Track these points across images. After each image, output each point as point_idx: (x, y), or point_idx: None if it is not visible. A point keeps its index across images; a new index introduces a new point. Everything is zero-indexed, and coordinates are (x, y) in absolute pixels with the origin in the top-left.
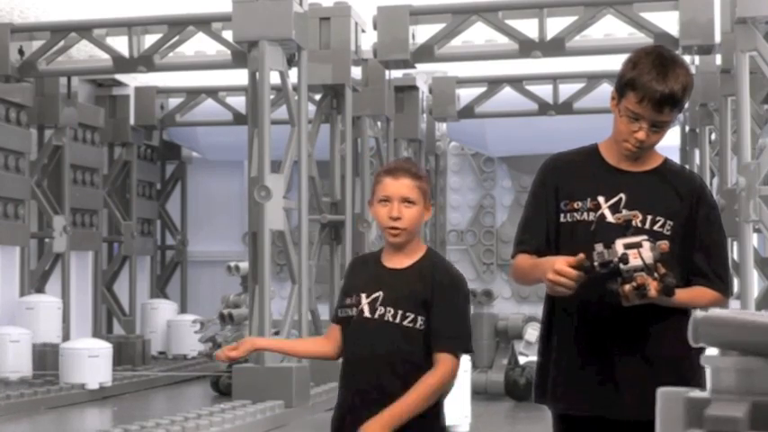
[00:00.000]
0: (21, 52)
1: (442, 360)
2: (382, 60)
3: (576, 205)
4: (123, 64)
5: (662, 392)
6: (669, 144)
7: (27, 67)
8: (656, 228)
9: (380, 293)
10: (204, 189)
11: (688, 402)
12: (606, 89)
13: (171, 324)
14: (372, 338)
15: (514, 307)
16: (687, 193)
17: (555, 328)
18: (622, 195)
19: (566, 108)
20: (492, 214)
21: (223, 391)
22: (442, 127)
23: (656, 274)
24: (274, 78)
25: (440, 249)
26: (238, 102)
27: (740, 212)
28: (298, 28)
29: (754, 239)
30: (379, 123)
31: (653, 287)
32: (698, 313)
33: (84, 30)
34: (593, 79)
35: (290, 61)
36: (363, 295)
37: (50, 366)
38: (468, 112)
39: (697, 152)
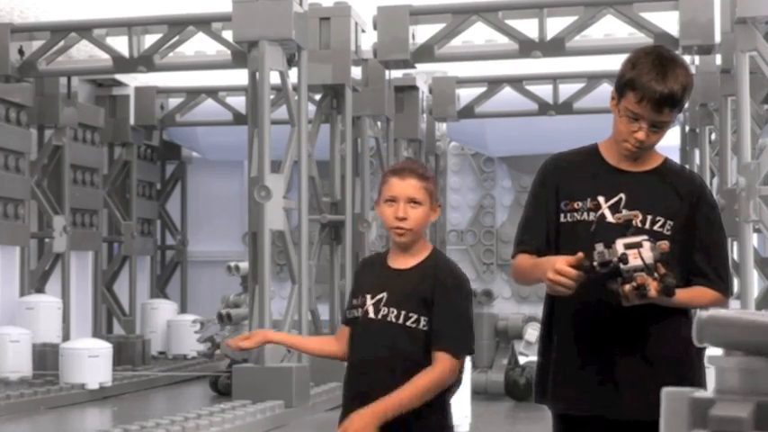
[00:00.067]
0: (21, 52)
1: (440, 359)
2: (382, 60)
3: (576, 205)
4: (123, 64)
5: (666, 392)
6: (669, 144)
7: (27, 67)
8: (656, 228)
9: (384, 294)
10: (204, 189)
11: (692, 402)
12: (606, 89)
13: (171, 324)
14: (376, 339)
15: (514, 307)
16: (687, 193)
17: (555, 328)
18: (622, 195)
19: (566, 108)
20: (492, 214)
21: (222, 390)
22: (442, 127)
23: (656, 275)
24: (274, 78)
25: (440, 249)
26: (238, 102)
27: (740, 212)
28: (298, 28)
29: (754, 239)
30: (379, 123)
31: (653, 287)
32: (703, 313)
33: (84, 30)
34: (593, 79)
35: (290, 61)
36: (368, 296)
37: (50, 366)
38: (468, 112)
39: (697, 152)
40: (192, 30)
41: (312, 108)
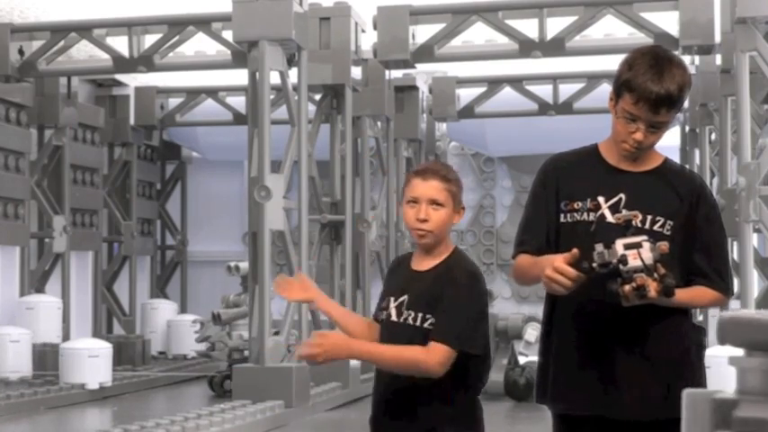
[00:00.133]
0: (21, 52)
1: (433, 346)
2: (382, 60)
3: (576, 205)
4: (123, 64)
5: (687, 393)
6: (669, 144)
7: (27, 67)
8: (656, 228)
9: (405, 297)
10: (204, 189)
11: (714, 403)
12: (606, 89)
13: (171, 324)
14: (397, 342)
15: (514, 307)
16: (687, 193)
17: (555, 328)
18: (622, 195)
19: (566, 108)
20: (492, 214)
21: (215, 390)
22: (442, 127)
23: (655, 275)
24: (274, 78)
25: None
26: (238, 102)
27: (740, 212)
28: (298, 28)
29: (754, 239)
30: (379, 123)
31: (653, 288)
32: (724, 314)
33: (84, 30)
34: (593, 79)
35: (290, 61)
36: (392, 299)
37: (50, 366)
38: (468, 112)
39: (697, 152)
40: (192, 30)
41: (312, 108)
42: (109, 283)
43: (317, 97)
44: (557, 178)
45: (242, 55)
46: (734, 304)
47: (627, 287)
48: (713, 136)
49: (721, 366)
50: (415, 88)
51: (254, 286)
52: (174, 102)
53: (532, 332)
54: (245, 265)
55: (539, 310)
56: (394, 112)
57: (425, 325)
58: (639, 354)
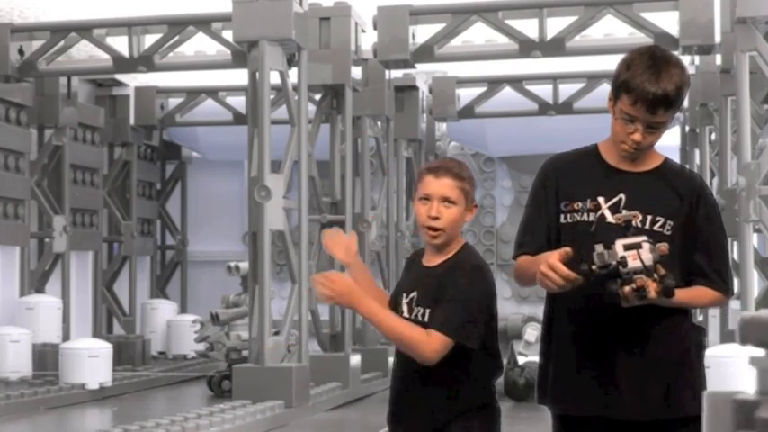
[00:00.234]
0: (21, 52)
1: (432, 333)
2: (382, 60)
3: (576, 206)
4: (123, 64)
5: (708, 394)
6: (669, 144)
7: (27, 67)
8: (656, 228)
9: (415, 294)
10: (204, 189)
11: (736, 404)
12: (606, 89)
13: (171, 324)
14: None
15: (514, 307)
16: (687, 193)
17: (555, 329)
18: (622, 196)
19: (566, 108)
20: (492, 214)
21: (214, 390)
22: (442, 127)
23: (655, 276)
24: (274, 78)
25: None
26: (238, 102)
27: (740, 212)
28: (298, 28)
29: (754, 239)
30: (379, 123)
31: (652, 289)
32: (745, 314)
33: (84, 30)
34: (593, 79)
35: (290, 61)
36: (404, 295)
37: (50, 366)
38: (468, 112)
39: (697, 152)
40: (192, 30)
41: (312, 108)
42: (109, 283)
43: (317, 97)
44: (557, 179)
45: (242, 55)
46: (734, 304)
47: (627, 288)
48: (713, 136)
49: (721, 366)
50: (415, 88)
51: (254, 286)
52: (174, 102)
53: (532, 332)
54: (245, 265)
55: (539, 310)
56: (394, 112)
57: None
58: (639, 354)
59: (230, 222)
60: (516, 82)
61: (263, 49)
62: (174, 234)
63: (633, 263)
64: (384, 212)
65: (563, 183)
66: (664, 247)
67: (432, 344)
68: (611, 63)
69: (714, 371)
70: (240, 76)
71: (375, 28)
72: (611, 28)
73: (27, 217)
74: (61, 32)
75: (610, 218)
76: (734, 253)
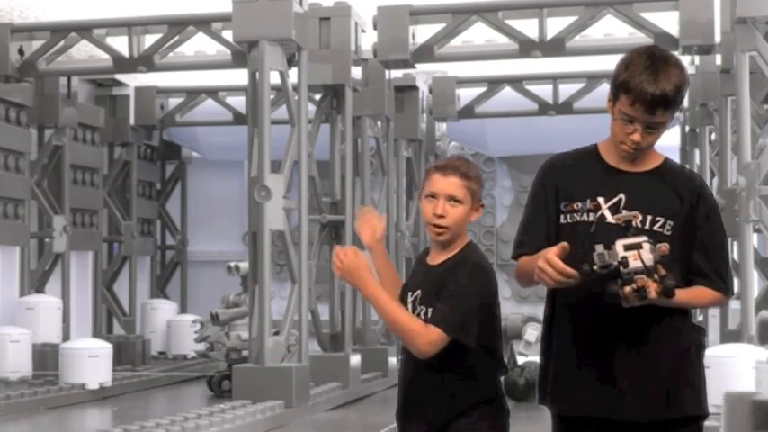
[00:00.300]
0: (21, 52)
1: (430, 327)
2: (382, 60)
3: (575, 206)
4: (123, 64)
5: (727, 395)
6: (669, 144)
7: (27, 67)
8: (656, 228)
9: (419, 292)
10: (204, 189)
11: (754, 405)
12: (606, 89)
13: (171, 324)
14: None
15: (514, 307)
16: (687, 193)
17: (555, 329)
18: (622, 196)
19: (566, 108)
20: (492, 214)
21: (214, 390)
22: (442, 127)
23: (655, 276)
24: (274, 78)
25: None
26: (238, 102)
27: (740, 212)
28: (298, 28)
29: (754, 239)
30: (379, 123)
31: (653, 289)
32: (764, 314)
33: (84, 30)
34: (593, 79)
35: (290, 61)
36: (410, 294)
37: (50, 366)
38: (468, 112)
39: (697, 152)
40: (192, 30)
41: (312, 108)
42: (109, 283)
43: (317, 97)
44: (556, 179)
45: (242, 55)
46: (734, 304)
47: (627, 288)
48: (713, 136)
49: (721, 366)
50: (415, 88)
51: (254, 286)
52: (174, 102)
53: (532, 332)
54: (245, 265)
55: (539, 310)
56: (394, 112)
57: None
58: (639, 354)
59: (230, 222)
60: (516, 82)
61: (263, 49)
62: (174, 234)
63: (634, 263)
64: (384, 212)
65: (563, 183)
66: (664, 247)
67: (428, 336)
68: (611, 63)
69: (714, 371)
70: (240, 76)
71: (375, 28)
72: (611, 28)
73: (27, 217)
74: (61, 32)
75: (610, 218)
76: (734, 253)
